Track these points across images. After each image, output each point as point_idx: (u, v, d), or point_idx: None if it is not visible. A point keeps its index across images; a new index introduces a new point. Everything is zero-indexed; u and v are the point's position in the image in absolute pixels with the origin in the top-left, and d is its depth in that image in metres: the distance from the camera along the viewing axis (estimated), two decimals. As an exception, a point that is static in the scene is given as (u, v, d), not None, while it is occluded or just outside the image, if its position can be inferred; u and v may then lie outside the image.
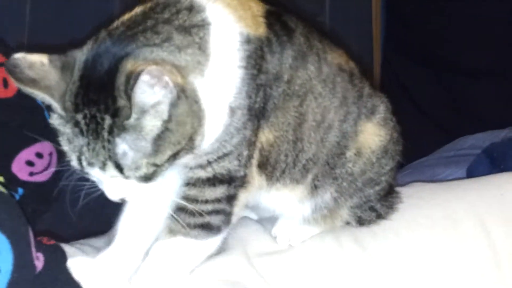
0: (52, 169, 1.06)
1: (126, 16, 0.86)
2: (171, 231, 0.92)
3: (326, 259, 1.04)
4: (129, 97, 0.76)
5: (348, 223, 1.08)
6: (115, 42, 0.81)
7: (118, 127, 0.78)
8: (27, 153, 1.05)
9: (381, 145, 1.03)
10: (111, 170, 0.80)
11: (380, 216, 1.09)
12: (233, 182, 0.91)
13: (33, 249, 0.85)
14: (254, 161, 0.94)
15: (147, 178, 0.82)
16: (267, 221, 1.10)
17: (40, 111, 1.06)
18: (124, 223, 0.96)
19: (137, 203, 0.96)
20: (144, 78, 0.75)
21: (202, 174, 0.90)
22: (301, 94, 0.95)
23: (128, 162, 0.80)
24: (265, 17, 0.92)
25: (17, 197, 1.03)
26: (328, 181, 1.02)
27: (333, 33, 1.85)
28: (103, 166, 0.80)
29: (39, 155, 1.05)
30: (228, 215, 0.93)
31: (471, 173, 1.43)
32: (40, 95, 0.81)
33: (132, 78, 0.75)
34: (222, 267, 0.99)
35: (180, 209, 0.91)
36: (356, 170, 1.02)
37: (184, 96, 0.80)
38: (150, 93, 0.77)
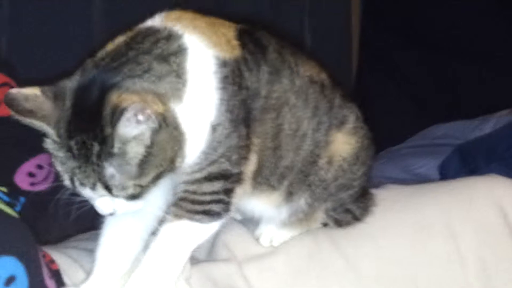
0: (51, 179, 1.12)
1: (110, 47, 0.91)
2: (177, 215, 0.98)
3: (307, 264, 1.12)
4: (113, 129, 0.83)
5: (325, 224, 1.15)
6: (102, 73, 0.87)
7: (105, 154, 0.85)
8: (28, 166, 1.12)
9: (352, 152, 1.09)
10: (100, 190, 0.88)
11: (356, 218, 1.15)
12: (229, 178, 0.97)
13: (44, 270, 0.92)
14: (252, 162, 1.00)
15: (134, 197, 0.90)
16: (250, 222, 1.17)
17: None
18: (103, 251, 1.03)
19: (116, 223, 1.03)
20: (128, 113, 0.83)
21: (198, 175, 0.96)
22: (277, 106, 1.01)
23: (116, 183, 0.87)
24: (239, 38, 0.98)
25: (19, 205, 1.11)
26: (302, 188, 1.08)
27: (311, 14, 1.88)
28: (93, 187, 0.88)
29: (39, 167, 1.12)
30: (227, 204, 0.99)
31: (443, 170, 1.51)
32: (38, 124, 0.88)
33: (117, 112, 0.83)
34: (214, 271, 1.08)
35: (182, 199, 0.98)
36: (328, 177, 1.08)
37: (165, 124, 0.87)
38: (133, 127, 0.84)
